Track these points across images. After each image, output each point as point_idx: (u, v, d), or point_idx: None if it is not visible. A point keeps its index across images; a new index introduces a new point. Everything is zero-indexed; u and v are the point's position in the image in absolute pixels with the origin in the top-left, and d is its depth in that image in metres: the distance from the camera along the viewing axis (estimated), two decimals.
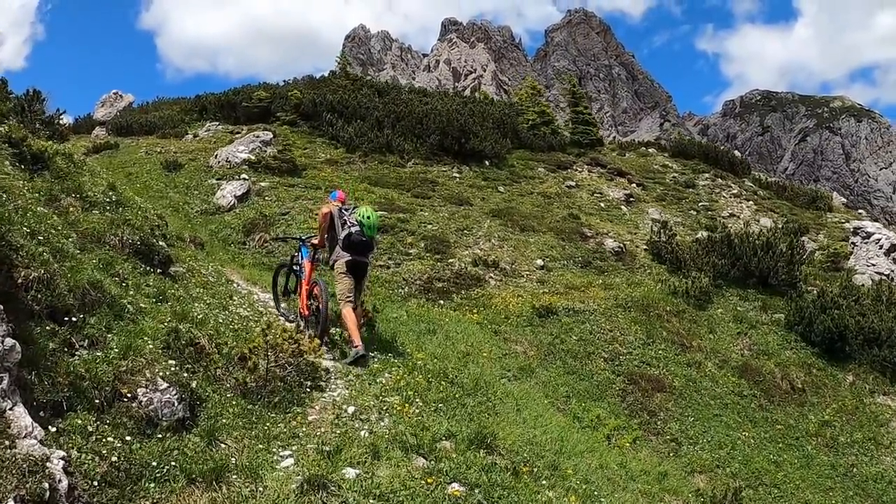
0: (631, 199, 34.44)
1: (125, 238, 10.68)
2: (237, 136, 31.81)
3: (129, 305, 8.01)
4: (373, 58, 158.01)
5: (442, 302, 18.39)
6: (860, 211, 53.50)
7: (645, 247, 27.23)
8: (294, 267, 12.37)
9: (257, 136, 28.93)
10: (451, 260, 21.06)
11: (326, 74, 45.99)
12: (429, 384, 8.91)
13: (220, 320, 9.90)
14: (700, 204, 36.56)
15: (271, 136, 29.87)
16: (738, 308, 22.82)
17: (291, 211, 22.88)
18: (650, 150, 47.63)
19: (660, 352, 18.84)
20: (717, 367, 19.01)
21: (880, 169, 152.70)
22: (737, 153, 50.69)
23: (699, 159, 43.60)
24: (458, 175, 30.58)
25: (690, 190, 38.57)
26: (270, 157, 26.92)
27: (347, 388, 8.47)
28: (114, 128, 39.37)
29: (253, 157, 26.94)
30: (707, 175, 41.29)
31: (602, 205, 32.42)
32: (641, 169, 40.26)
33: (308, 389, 8.10)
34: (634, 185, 37.02)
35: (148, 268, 10.57)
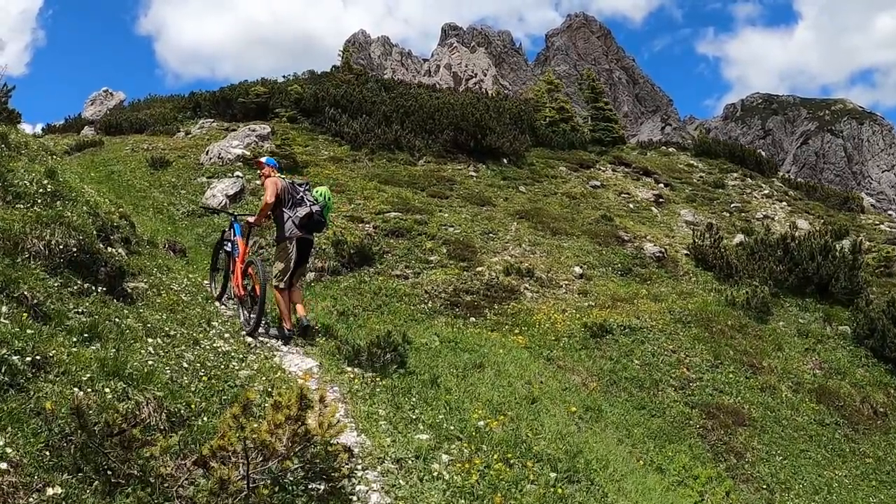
0: (660, 199, 31.08)
1: (54, 242, 7.35)
2: (233, 132, 28.40)
3: (16, 358, 4.64)
4: (373, 63, 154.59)
5: (474, 319, 15.01)
6: (890, 212, 50.26)
7: (686, 251, 23.90)
8: (226, 244, 11.10)
9: (253, 130, 25.52)
10: (479, 268, 17.67)
11: (329, 70, 42.55)
12: (511, 467, 5.49)
13: (184, 365, 6.51)
14: (732, 205, 33.25)
15: (269, 129, 26.45)
16: (800, 320, 19.75)
17: None
18: (670, 148, 44.41)
19: (730, 375, 15.96)
20: (793, 392, 16.26)
21: (883, 171, 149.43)
22: (762, 153, 47.31)
23: (725, 158, 40.39)
24: (474, 174, 27.18)
25: (720, 190, 35.23)
26: (267, 153, 23.49)
27: (388, 493, 4.98)
28: (102, 126, 36.03)
29: (248, 153, 23.55)
30: (735, 175, 38.02)
31: (631, 206, 29.06)
32: (666, 168, 36.91)
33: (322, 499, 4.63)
34: (662, 185, 33.70)
35: (88, 284, 7.33)
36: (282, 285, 9.77)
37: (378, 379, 7.65)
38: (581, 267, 19.82)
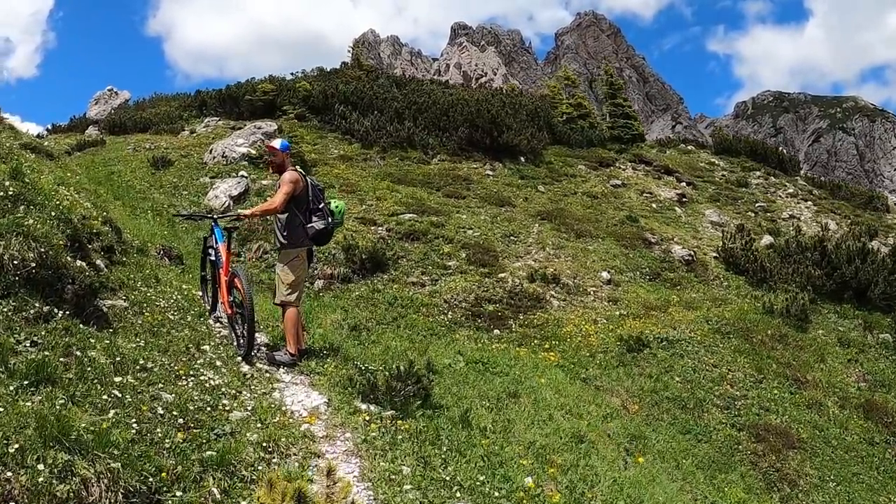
0: (684, 199, 29.62)
1: (8, 256, 6.06)
2: (238, 130, 27.07)
3: None
4: (383, 62, 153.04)
5: (498, 332, 13.63)
6: None
7: (715, 254, 22.49)
8: (209, 253, 9.62)
9: (259, 128, 24.16)
10: (501, 274, 16.27)
11: (339, 67, 41.12)
12: None
13: (159, 411, 5.16)
14: (757, 205, 31.72)
15: (275, 126, 25.11)
16: (839, 328, 18.36)
17: None
18: (689, 146, 42.90)
19: (775, 391, 14.59)
20: (839, 407, 14.91)
21: (895, 169, 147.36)
22: (783, 150, 45.75)
23: (746, 156, 38.86)
24: (491, 173, 25.76)
25: (743, 189, 33.71)
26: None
27: None
28: (106, 126, 34.84)
29: (253, 152, 22.20)
30: (758, 173, 36.51)
31: (654, 206, 27.61)
32: (688, 167, 35.42)
33: None
34: (684, 183, 32.23)
35: (49, 307, 6.06)
36: (293, 300, 8.39)
37: (399, 420, 6.24)
38: (608, 272, 18.42)
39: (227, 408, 6.01)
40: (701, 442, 11.63)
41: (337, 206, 8.62)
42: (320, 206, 8.49)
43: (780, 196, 34.37)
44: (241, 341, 8.04)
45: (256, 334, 8.53)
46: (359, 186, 21.20)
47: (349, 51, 39.91)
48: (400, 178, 22.71)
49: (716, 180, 34.27)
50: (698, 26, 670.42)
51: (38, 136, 39.32)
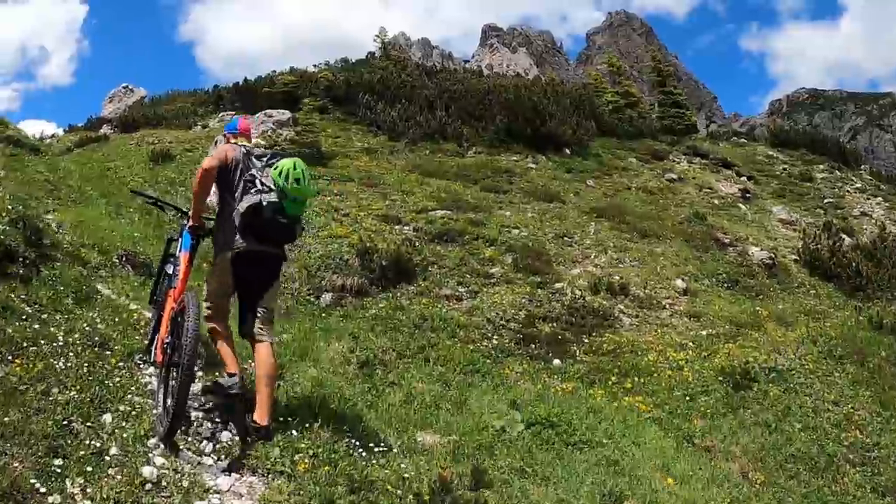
0: (747, 194, 26.00)
1: None
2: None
3: None
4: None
5: (559, 362, 10.21)
6: None
7: (794, 257, 18.93)
8: (169, 263, 6.30)
9: (270, 116, 21.05)
10: (557, 284, 12.81)
11: (365, 57, 37.79)
12: None
13: None
14: (825, 201, 27.90)
15: (289, 115, 21.94)
16: None
17: (308, 210, 14.92)
18: (741, 139, 39.27)
19: None
20: None
21: None
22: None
23: (806, 149, 35.03)
24: (533, 165, 22.32)
25: (808, 184, 29.90)
26: (286, 141, 18.94)
27: None
28: (119, 124, 32.00)
29: (263, 142, 19.00)
30: (822, 167, 32.59)
31: (716, 202, 23.99)
32: (745, 160, 31.67)
33: None
34: (744, 178, 28.52)
35: None
36: (209, 313, 5.43)
37: None
38: (682, 279, 14.95)
39: None
40: None
41: (283, 170, 5.27)
42: (254, 178, 5.33)
43: (847, 191, 30.49)
44: (166, 414, 4.81)
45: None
46: (382, 179, 17.89)
47: (375, 39, 36.51)
48: (431, 170, 19.34)
49: (777, 174, 30.57)
50: (731, 24, 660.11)
51: (52, 135, 37.00)
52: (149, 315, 7.26)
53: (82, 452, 4.09)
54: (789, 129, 40.00)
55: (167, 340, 5.13)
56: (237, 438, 5.09)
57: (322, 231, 13.45)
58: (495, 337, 10.64)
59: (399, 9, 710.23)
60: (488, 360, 9.57)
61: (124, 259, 10.08)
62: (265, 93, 30.42)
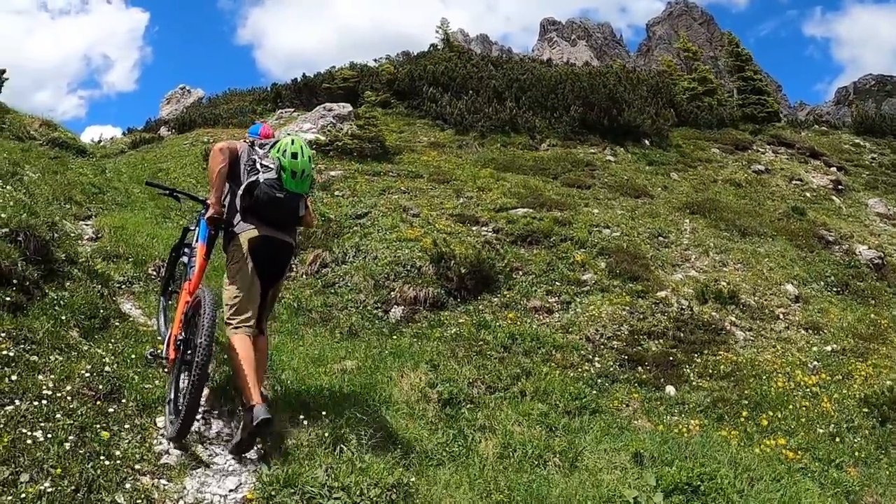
0: (839, 186, 23.71)
1: None
2: (305, 115, 22.56)
3: None
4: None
5: (673, 390, 8.40)
6: None
7: None
8: (184, 251, 6.03)
9: (329, 110, 19.53)
10: (659, 293, 10.95)
11: (427, 49, 36.11)
12: None
13: None
14: None
15: (349, 109, 20.43)
16: None
17: (373, 210, 13.29)
18: (822, 126, 36.61)
19: None
20: None
21: None
22: None
23: (893, 136, 32.49)
24: (612, 158, 20.45)
25: None
26: (347, 136, 17.38)
27: None
28: (176, 124, 31.09)
29: (323, 138, 17.52)
30: None
31: (807, 195, 21.80)
32: (832, 149, 29.22)
33: None
34: (834, 168, 26.15)
35: None
36: (234, 323, 4.98)
37: None
38: (792, 283, 12.98)
39: None
40: None
41: (282, 148, 5.12)
42: (255, 162, 5.15)
43: None
44: (177, 410, 4.49)
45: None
46: (454, 175, 16.23)
47: (437, 31, 34.78)
48: (505, 164, 17.62)
49: (867, 164, 28.09)
50: (794, 9, 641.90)
51: (110, 138, 36.36)
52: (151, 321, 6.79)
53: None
54: (874, 116, 37.17)
55: (180, 337, 4.87)
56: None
57: (390, 233, 11.81)
58: (597, 359, 8.86)
59: (459, 5, 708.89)
60: (592, 389, 7.81)
61: (161, 270, 8.62)
62: (324, 88, 29.22)
